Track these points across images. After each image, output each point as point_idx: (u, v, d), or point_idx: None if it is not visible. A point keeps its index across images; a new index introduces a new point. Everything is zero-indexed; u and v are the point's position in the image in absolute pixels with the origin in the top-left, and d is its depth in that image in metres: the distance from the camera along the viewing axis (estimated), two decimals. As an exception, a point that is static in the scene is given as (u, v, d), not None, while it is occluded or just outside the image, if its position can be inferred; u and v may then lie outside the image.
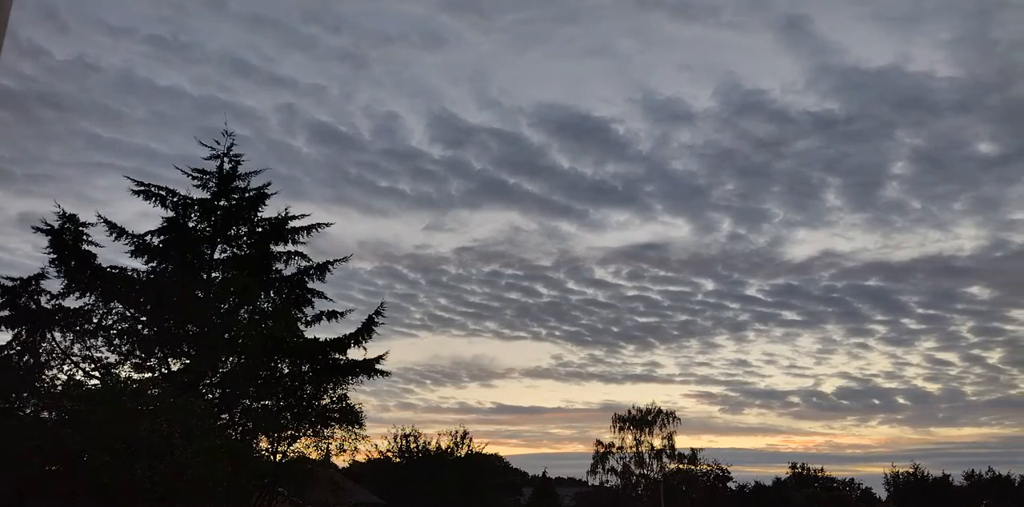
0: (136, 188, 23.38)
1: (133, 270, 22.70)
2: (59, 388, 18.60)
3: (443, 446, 44.29)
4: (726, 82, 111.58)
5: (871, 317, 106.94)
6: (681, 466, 60.13)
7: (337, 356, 23.67)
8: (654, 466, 59.58)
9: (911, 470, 67.56)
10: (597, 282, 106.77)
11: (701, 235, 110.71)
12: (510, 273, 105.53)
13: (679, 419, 60.72)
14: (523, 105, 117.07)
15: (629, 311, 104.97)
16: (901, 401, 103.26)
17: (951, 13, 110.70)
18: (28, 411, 18.67)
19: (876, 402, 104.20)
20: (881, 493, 72.63)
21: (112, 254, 23.30)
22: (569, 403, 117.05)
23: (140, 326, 22.27)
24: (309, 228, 24.34)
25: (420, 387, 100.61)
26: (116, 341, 21.71)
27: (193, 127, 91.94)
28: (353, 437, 23.05)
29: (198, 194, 23.83)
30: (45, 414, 18.22)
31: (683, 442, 61.04)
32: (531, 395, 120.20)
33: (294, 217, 24.24)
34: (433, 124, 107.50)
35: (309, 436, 22.70)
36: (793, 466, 70.60)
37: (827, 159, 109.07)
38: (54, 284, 21.82)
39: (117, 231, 22.89)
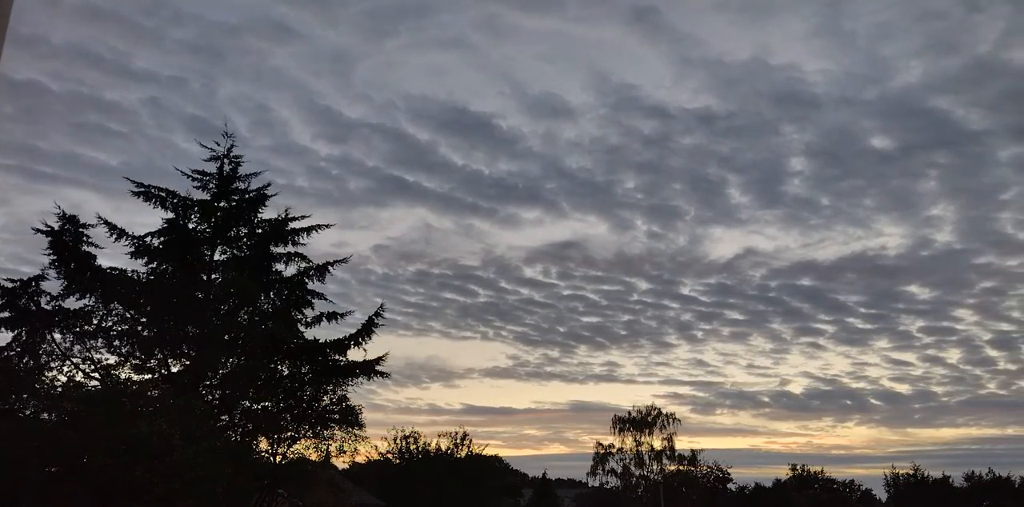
0: (136, 189, 23.39)
1: (133, 271, 22.73)
2: (59, 389, 18.62)
3: (443, 447, 44.24)
4: (593, 77, 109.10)
5: (815, 316, 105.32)
6: (681, 467, 60.05)
7: (337, 357, 23.68)
8: (654, 467, 59.54)
9: (911, 471, 67.50)
10: (529, 282, 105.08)
11: (619, 234, 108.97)
12: (438, 273, 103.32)
13: (679, 421, 60.70)
14: (394, 99, 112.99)
15: (569, 311, 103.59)
16: (874, 402, 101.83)
17: (800, 4, 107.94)
18: (28, 412, 18.69)
19: (848, 403, 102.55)
20: (880, 494, 72.59)
21: (112, 255, 23.32)
22: (539, 404, 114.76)
23: (140, 327, 22.27)
24: (309, 229, 24.36)
25: (383, 388, 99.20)
26: (116, 342, 21.73)
27: (66, 124, 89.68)
28: (353, 438, 23.09)
29: (198, 195, 23.87)
30: (45, 415, 18.24)
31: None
32: (498, 396, 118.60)
33: (294, 218, 24.29)
34: (310, 120, 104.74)
35: (309, 437, 22.71)
36: (793, 467, 70.45)
37: (720, 155, 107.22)
38: (54, 285, 21.86)
39: (117, 232, 22.89)
